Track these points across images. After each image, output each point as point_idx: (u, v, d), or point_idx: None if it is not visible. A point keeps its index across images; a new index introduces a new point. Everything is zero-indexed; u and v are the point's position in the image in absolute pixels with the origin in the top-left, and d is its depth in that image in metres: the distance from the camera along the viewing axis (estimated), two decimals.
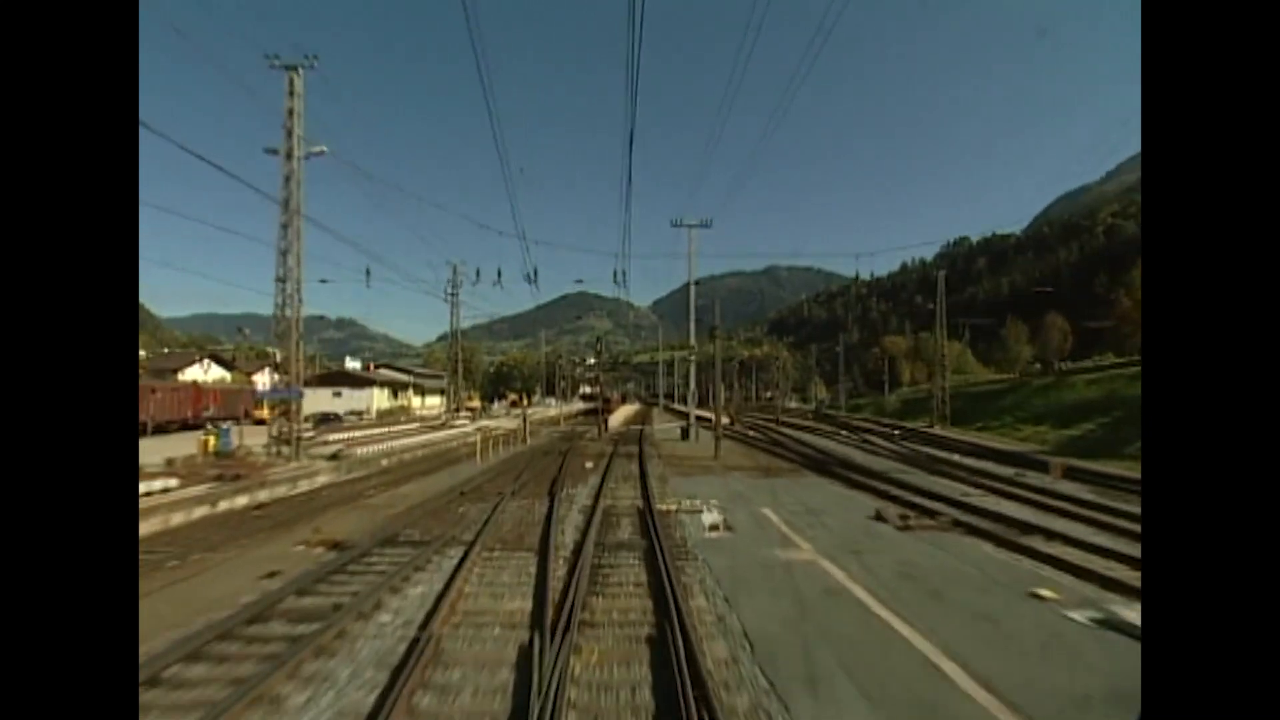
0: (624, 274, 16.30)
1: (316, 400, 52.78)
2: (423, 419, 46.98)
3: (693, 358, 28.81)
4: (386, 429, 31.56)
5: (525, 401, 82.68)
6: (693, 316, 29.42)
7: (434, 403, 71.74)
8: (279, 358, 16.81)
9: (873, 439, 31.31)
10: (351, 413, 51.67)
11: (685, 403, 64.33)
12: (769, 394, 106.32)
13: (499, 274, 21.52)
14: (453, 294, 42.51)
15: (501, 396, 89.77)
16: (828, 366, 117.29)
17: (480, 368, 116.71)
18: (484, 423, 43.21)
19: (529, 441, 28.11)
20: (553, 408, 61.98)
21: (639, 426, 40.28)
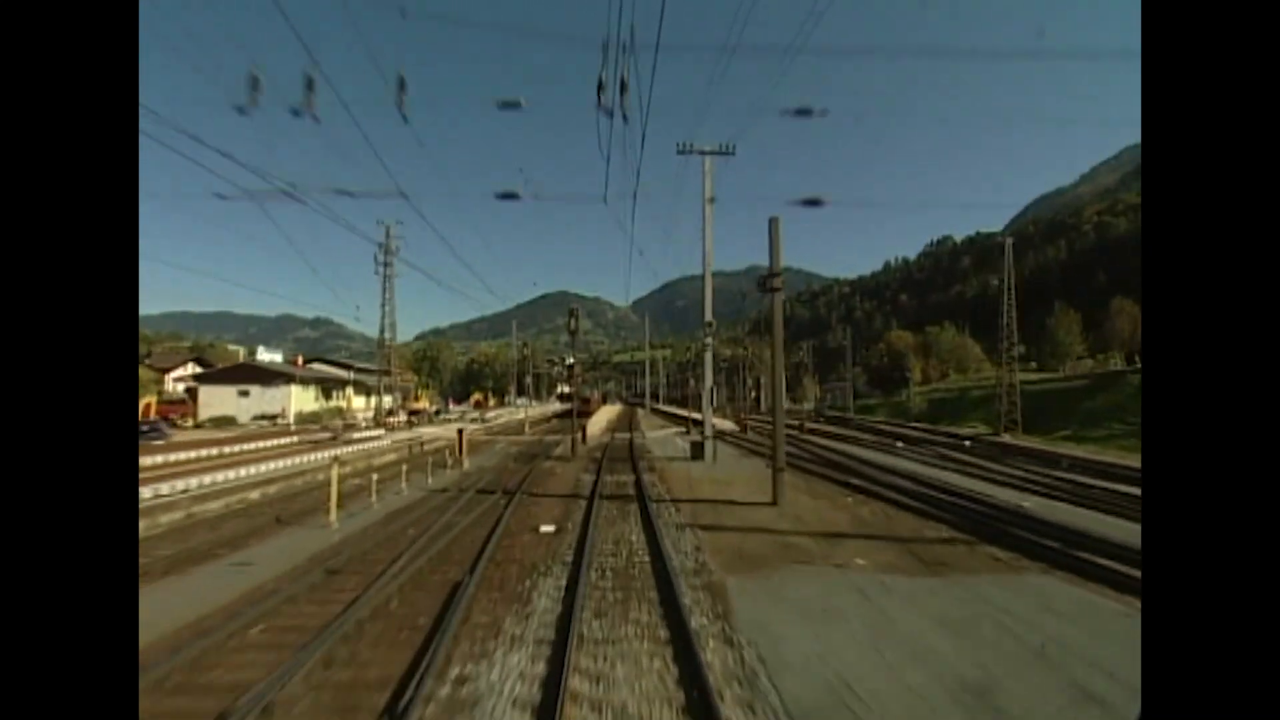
0: (619, 90, 7.42)
1: (221, 401, 42.63)
2: (343, 426, 37.10)
3: (709, 339, 20.01)
4: (239, 448, 21.80)
5: (489, 403, 73.02)
6: (708, 285, 20.58)
7: (383, 403, 61.76)
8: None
9: (956, 455, 22.66)
10: (262, 417, 41.48)
11: (686, 404, 55.50)
12: (756, 394, 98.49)
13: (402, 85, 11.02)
14: (385, 260, 33.09)
15: (468, 397, 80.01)
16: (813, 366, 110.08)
17: (449, 365, 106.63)
18: (425, 430, 33.76)
19: (467, 464, 18.89)
20: (521, 409, 52.56)
21: (626, 435, 31.40)
